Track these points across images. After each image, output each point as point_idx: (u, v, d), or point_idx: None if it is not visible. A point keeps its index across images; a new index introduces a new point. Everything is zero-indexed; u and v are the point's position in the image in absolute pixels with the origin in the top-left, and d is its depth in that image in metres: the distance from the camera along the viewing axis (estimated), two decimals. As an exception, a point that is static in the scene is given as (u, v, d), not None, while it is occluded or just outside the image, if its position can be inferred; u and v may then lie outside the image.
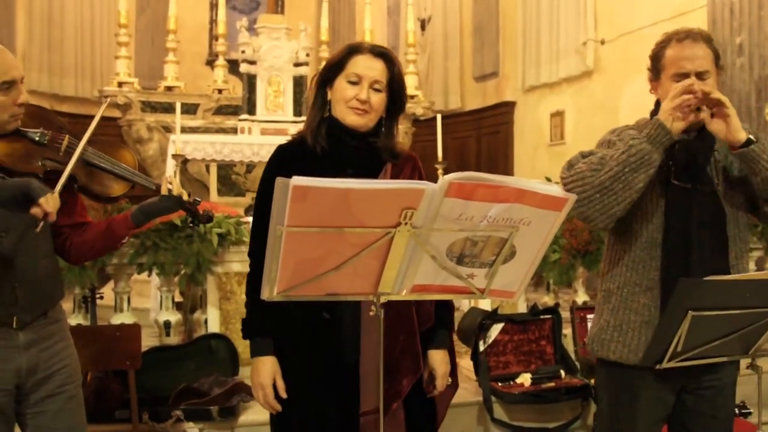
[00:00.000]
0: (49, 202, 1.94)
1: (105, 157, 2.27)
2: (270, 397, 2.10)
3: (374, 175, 2.16)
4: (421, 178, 2.23)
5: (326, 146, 2.15)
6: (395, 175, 2.18)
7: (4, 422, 2.19)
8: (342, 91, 2.13)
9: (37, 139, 2.17)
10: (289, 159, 2.16)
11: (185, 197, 2.28)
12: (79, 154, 2.15)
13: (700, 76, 2.19)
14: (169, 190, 2.26)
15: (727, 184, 2.26)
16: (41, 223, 1.97)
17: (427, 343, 2.21)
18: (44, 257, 2.25)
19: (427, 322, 2.20)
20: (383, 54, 2.17)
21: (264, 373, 2.10)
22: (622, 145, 2.15)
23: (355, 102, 2.11)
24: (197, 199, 2.37)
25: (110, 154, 2.29)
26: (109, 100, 2.16)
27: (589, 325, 2.60)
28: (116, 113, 7.83)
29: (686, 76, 2.18)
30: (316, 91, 2.21)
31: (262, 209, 2.19)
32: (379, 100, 2.14)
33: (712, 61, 2.24)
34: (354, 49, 2.16)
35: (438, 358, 2.22)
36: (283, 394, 2.09)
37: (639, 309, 2.25)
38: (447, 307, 2.26)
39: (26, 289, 2.17)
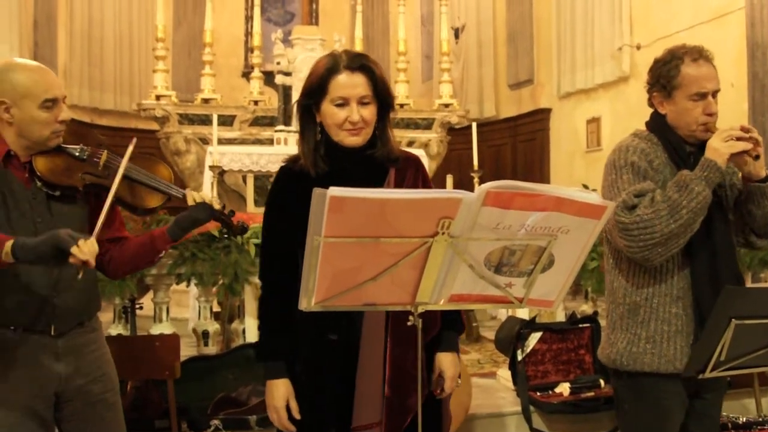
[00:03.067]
0: (83, 250, 1.95)
1: (142, 171, 2.32)
2: (284, 419, 2.11)
3: (378, 186, 2.13)
4: (424, 181, 2.24)
5: (327, 168, 2.12)
6: (399, 183, 2.17)
7: (44, 429, 2.24)
8: (332, 116, 2.08)
9: (77, 154, 2.25)
10: (293, 181, 2.13)
11: (216, 206, 2.30)
12: (122, 175, 2.20)
13: (714, 95, 2.33)
14: (194, 200, 2.29)
15: (727, 198, 2.40)
16: (81, 272, 2.00)
17: (435, 346, 2.20)
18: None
19: (434, 328, 2.18)
20: (361, 66, 2.09)
21: (277, 395, 2.11)
22: (681, 190, 2.19)
23: (347, 125, 2.08)
24: (232, 210, 2.40)
25: (147, 168, 2.34)
26: (135, 141, 2.26)
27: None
28: (154, 126, 7.94)
29: (705, 95, 2.30)
30: (302, 117, 2.16)
31: (270, 231, 2.20)
32: (369, 113, 2.10)
33: (718, 79, 2.36)
34: (331, 70, 2.08)
35: (447, 361, 2.20)
36: (297, 416, 2.10)
37: (670, 319, 2.32)
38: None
39: (64, 298, 2.23)
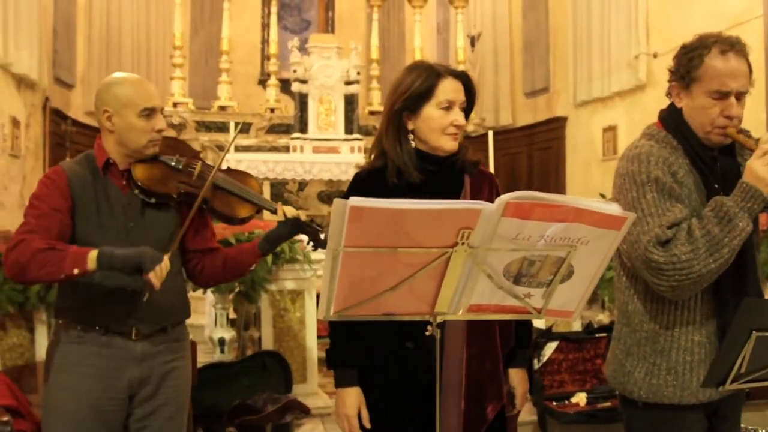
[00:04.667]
0: (158, 275, 2.09)
1: (233, 182, 2.43)
2: (355, 428, 2.10)
3: (455, 196, 2.16)
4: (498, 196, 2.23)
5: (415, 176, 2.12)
6: (474, 194, 2.18)
7: (109, 430, 2.28)
8: (437, 119, 2.10)
9: (173, 164, 2.37)
10: (370, 188, 2.09)
11: (303, 218, 2.38)
12: (211, 183, 2.33)
13: (739, 96, 2.04)
14: (285, 215, 2.37)
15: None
16: (146, 294, 2.14)
17: (507, 362, 2.20)
18: (171, 274, 2.32)
19: (510, 342, 2.20)
20: (461, 74, 2.16)
21: (349, 403, 2.10)
22: (722, 224, 1.94)
23: (452, 128, 2.10)
24: (321, 225, 2.44)
25: (237, 179, 2.45)
26: (240, 125, 2.39)
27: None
28: (171, 133, 7.98)
29: (726, 95, 2.02)
30: (397, 122, 2.14)
31: None
32: (464, 119, 2.14)
33: (749, 78, 2.07)
34: (438, 74, 2.11)
35: (518, 377, 2.23)
36: (367, 425, 2.09)
37: (693, 348, 2.09)
38: (526, 325, 2.25)
39: (149, 302, 2.25)
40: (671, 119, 2.15)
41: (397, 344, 2.07)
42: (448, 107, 2.10)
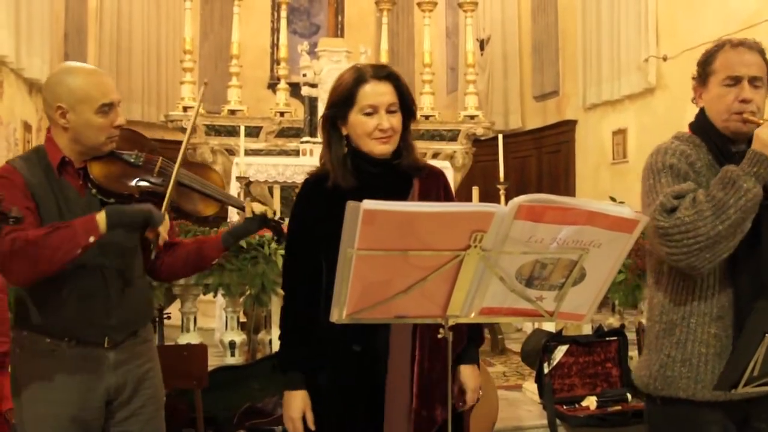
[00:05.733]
0: (165, 227, 2.06)
1: (196, 179, 2.33)
2: (299, 430, 2.12)
3: (403, 197, 2.15)
4: (447, 195, 2.26)
5: (354, 180, 2.13)
6: (424, 195, 2.18)
7: None
8: (361, 126, 2.10)
9: (132, 160, 2.24)
10: (318, 193, 2.14)
11: (269, 215, 2.34)
12: (176, 175, 2.20)
13: (753, 81, 2.11)
14: (253, 212, 2.33)
15: None
16: (154, 251, 2.10)
17: (458, 359, 2.21)
18: (138, 278, 2.30)
19: (462, 342, 2.20)
20: (388, 75, 2.13)
21: (294, 406, 2.13)
22: (727, 187, 1.97)
23: (377, 133, 2.10)
24: (282, 218, 2.41)
25: (199, 174, 2.36)
26: (202, 91, 2.17)
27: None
28: (181, 137, 8.00)
29: (739, 80, 2.10)
30: (329, 130, 2.17)
31: (294, 243, 2.21)
32: (397, 121, 2.13)
33: (765, 71, 2.15)
34: (358, 80, 2.11)
35: (467, 373, 2.22)
36: (312, 426, 2.12)
37: (709, 340, 2.10)
38: (477, 323, 2.23)
39: (120, 309, 2.21)
40: (697, 121, 2.23)
41: (345, 347, 2.08)
42: (371, 112, 2.09)
